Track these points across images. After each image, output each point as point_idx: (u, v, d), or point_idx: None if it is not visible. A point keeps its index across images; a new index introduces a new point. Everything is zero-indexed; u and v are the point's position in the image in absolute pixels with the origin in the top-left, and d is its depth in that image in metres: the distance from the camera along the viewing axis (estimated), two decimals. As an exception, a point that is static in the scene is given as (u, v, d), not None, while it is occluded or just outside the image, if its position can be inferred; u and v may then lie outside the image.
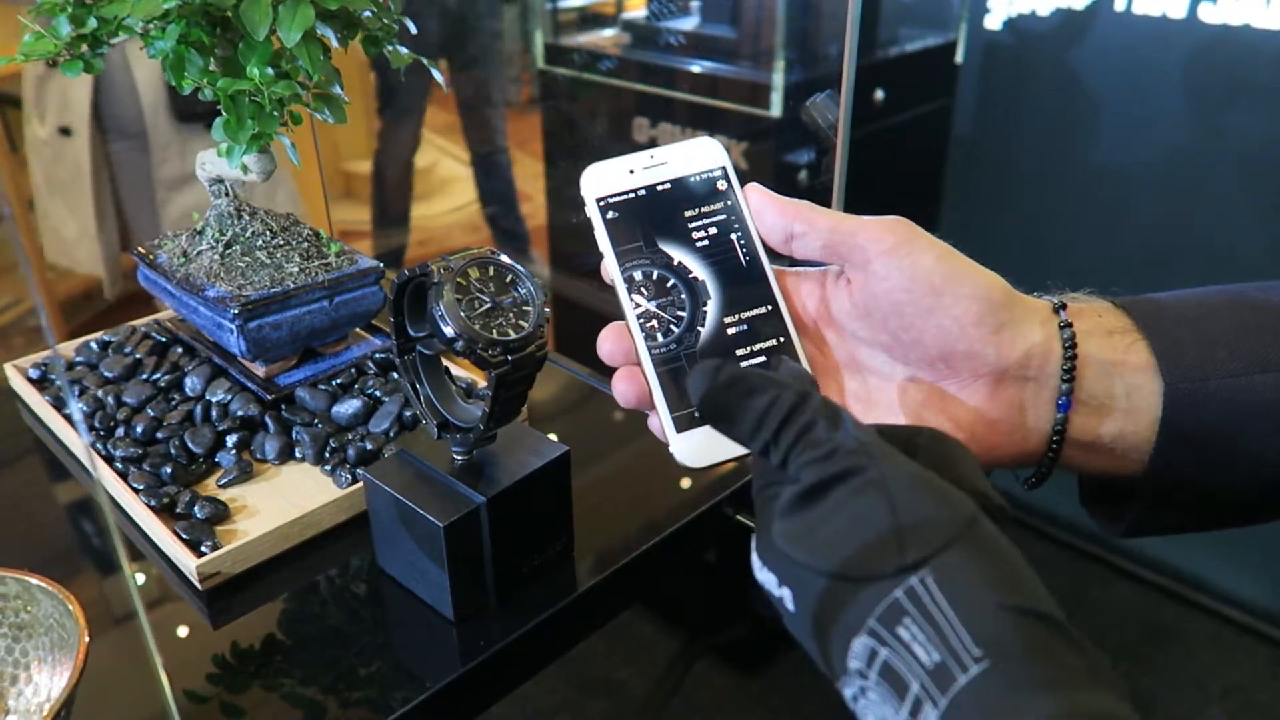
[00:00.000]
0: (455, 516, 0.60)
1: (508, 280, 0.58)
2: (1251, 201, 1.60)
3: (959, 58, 1.76)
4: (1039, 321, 0.39)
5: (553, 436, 0.68)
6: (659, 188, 0.44)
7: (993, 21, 1.80)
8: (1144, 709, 1.53)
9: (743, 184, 0.45)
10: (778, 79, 1.53)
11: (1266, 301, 0.39)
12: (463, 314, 0.55)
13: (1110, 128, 1.72)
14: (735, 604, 1.86)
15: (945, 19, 1.78)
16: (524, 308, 0.57)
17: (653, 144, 1.74)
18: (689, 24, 1.70)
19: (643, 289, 0.42)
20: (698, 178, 0.44)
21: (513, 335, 0.56)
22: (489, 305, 0.56)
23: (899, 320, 0.40)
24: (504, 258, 0.58)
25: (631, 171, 0.44)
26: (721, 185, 0.45)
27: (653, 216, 0.43)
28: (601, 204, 0.43)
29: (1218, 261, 1.62)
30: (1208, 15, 1.54)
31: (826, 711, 1.67)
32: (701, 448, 0.40)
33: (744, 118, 1.60)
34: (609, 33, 1.82)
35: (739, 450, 0.40)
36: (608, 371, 0.43)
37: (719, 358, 0.41)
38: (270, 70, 0.69)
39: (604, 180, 0.43)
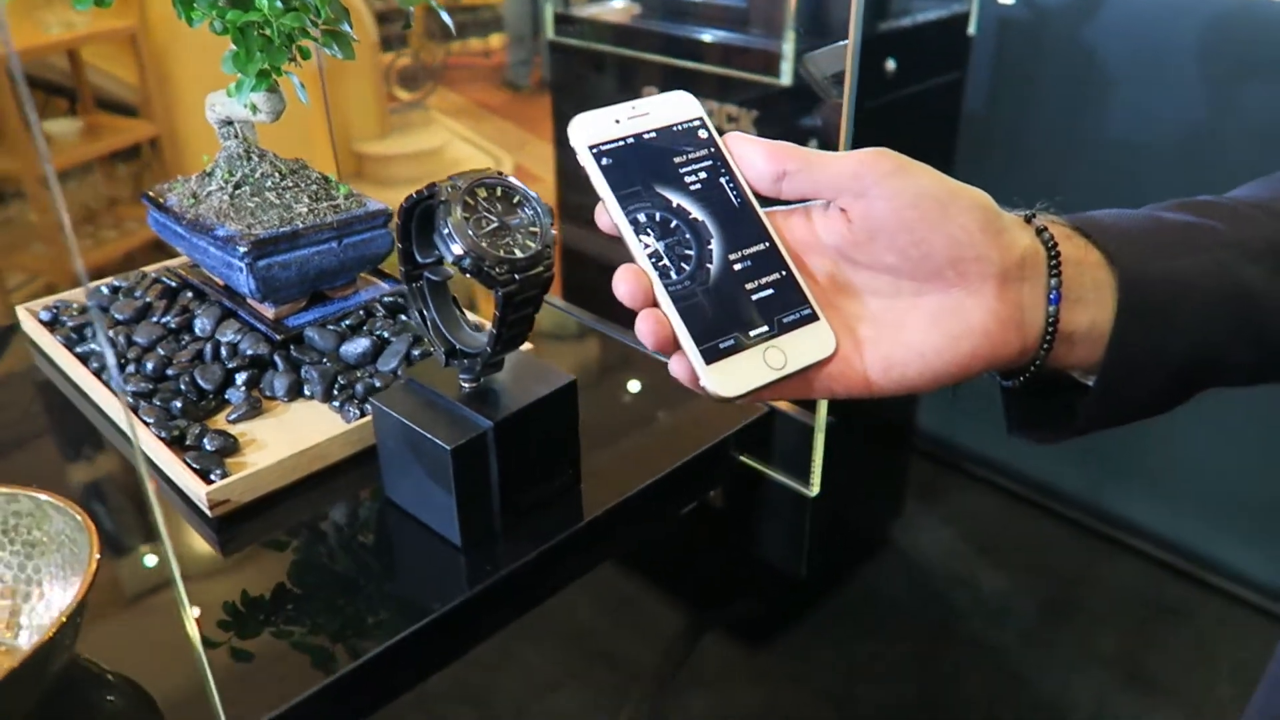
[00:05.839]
0: (462, 440, 0.60)
1: (515, 201, 0.58)
2: (1265, 174, 1.59)
3: (971, 29, 1.76)
4: (1021, 228, 0.43)
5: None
6: (645, 136, 0.45)
7: (1005, -8, 1.80)
8: (1152, 687, 1.53)
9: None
10: (788, 48, 1.53)
11: (1182, 207, 0.47)
12: (470, 232, 0.55)
13: (1123, 102, 1.71)
14: (742, 577, 1.87)
15: (957, -10, 1.78)
16: (531, 228, 0.58)
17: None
18: (699, -7, 1.69)
19: (648, 230, 0.43)
20: (680, 127, 0.46)
21: (519, 254, 0.56)
22: (496, 224, 0.56)
23: (909, 236, 0.42)
24: (512, 179, 0.58)
25: (617, 121, 0.45)
26: (703, 134, 0.46)
27: (645, 163, 0.44)
28: (595, 151, 0.44)
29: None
30: (1221, -16, 1.53)
31: (832, 684, 1.68)
32: (733, 377, 0.41)
33: (754, 86, 1.59)
34: (619, 3, 1.82)
35: (771, 376, 0.42)
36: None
37: (731, 292, 0.43)
38: (279, 4, 0.69)
39: (593, 129, 0.44)
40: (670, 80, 1.70)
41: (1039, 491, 2.00)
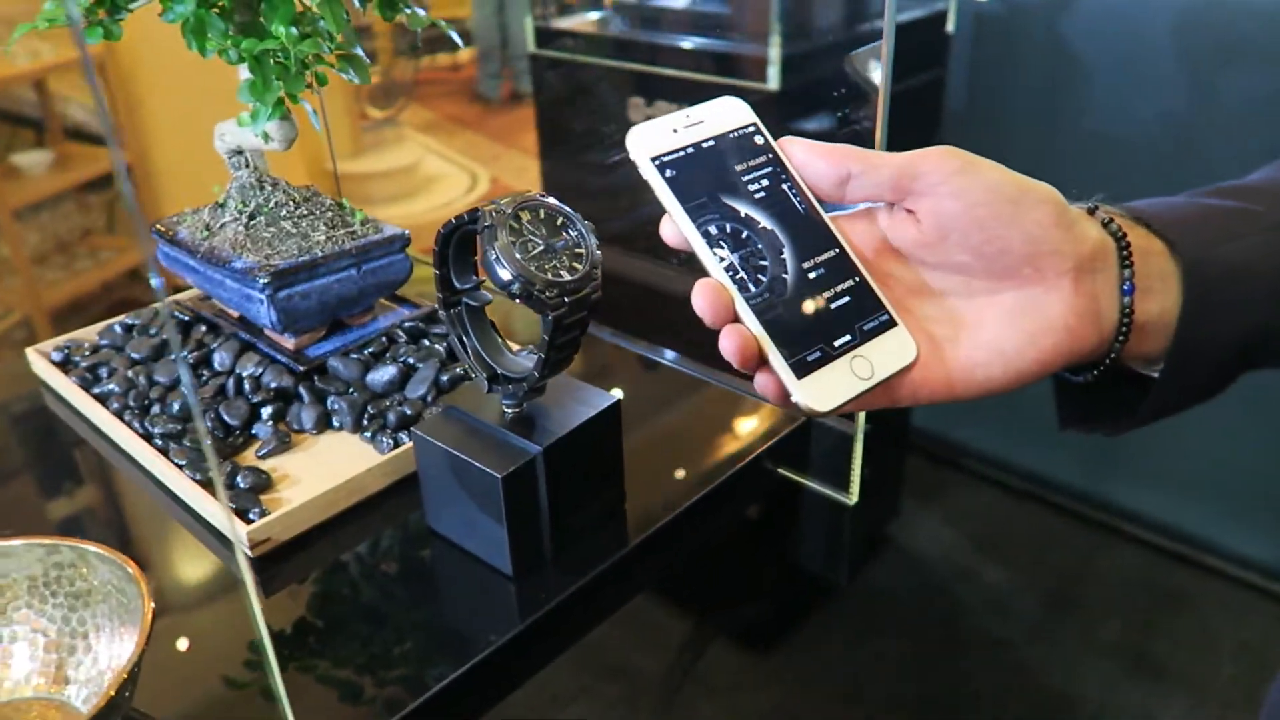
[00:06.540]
0: (513, 467, 0.59)
1: (559, 223, 0.57)
2: (1244, 163, 1.60)
3: (950, 27, 1.77)
4: (1087, 220, 0.43)
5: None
6: (704, 145, 0.44)
7: (982, -11, 1.81)
8: (1158, 673, 1.53)
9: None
10: (773, 52, 1.53)
11: (1217, 193, 0.47)
12: (518, 256, 0.54)
13: (1103, 95, 1.72)
14: (745, 584, 1.86)
15: (935, -12, 1.79)
16: (576, 250, 0.57)
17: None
18: (681, 0, 1.69)
19: (721, 243, 0.41)
20: (736, 134, 0.45)
21: (567, 277, 0.55)
22: (542, 248, 0.56)
23: (982, 234, 0.41)
24: (553, 200, 0.57)
25: (675, 131, 0.44)
26: (759, 140, 0.45)
27: (708, 172, 0.43)
28: (657, 163, 0.42)
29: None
30: (1198, -26, 1.55)
31: (838, 686, 1.67)
32: (825, 391, 0.40)
33: (741, 92, 1.58)
34: (598, 14, 1.81)
35: (861, 387, 0.41)
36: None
37: (810, 302, 0.42)
38: (295, 30, 0.68)
39: (652, 140, 0.43)
40: (656, 90, 1.69)
41: (1037, 484, 2.01)
